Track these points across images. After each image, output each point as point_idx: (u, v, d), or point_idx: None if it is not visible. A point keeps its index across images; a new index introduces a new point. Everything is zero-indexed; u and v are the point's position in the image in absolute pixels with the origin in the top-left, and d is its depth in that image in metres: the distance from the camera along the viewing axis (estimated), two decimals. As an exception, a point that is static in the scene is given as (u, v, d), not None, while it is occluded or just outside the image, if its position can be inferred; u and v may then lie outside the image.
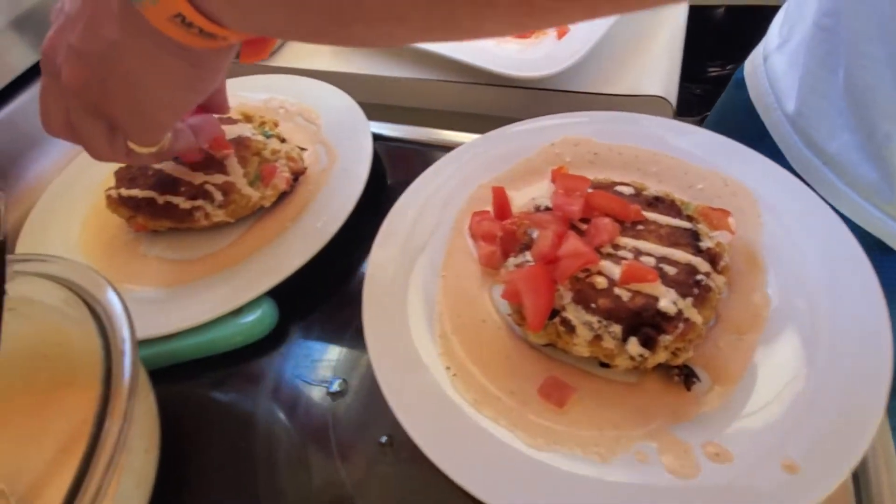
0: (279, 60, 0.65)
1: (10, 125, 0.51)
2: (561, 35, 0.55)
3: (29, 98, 0.53)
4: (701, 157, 0.40)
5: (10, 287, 0.31)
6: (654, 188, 0.37)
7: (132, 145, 0.32)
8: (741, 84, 0.54)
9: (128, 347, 0.29)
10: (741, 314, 0.33)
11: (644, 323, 0.29)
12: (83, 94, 0.27)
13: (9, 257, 0.31)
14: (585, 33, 0.53)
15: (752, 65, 0.52)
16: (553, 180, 0.42)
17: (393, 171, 0.51)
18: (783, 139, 0.47)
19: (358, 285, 0.42)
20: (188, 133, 0.38)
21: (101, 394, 0.27)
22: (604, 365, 0.32)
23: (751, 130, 0.50)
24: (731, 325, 0.32)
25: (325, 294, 0.42)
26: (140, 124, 0.30)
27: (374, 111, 0.50)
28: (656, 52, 0.55)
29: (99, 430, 0.25)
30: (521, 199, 0.42)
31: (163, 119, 0.30)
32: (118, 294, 0.31)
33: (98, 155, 0.32)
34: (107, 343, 0.29)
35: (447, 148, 0.51)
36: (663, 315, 0.29)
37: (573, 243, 0.31)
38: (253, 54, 0.30)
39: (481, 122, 0.59)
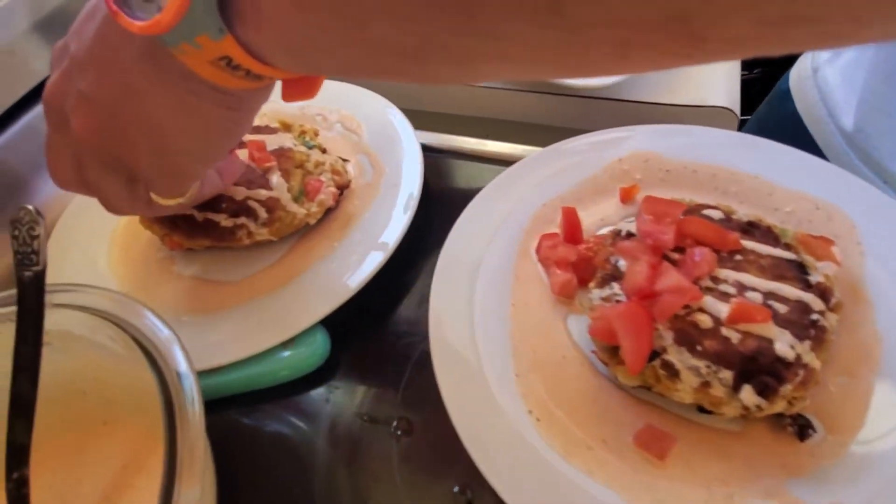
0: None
1: (33, 132, 0.47)
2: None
3: None
4: (785, 176, 0.38)
5: (48, 319, 0.27)
6: (741, 211, 0.34)
7: (155, 197, 0.29)
8: (785, 95, 0.51)
9: (189, 383, 0.25)
10: (850, 353, 0.30)
11: (759, 369, 0.26)
12: (97, 144, 0.24)
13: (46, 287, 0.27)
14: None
15: (799, 76, 0.50)
16: (623, 200, 0.39)
17: (437, 182, 0.48)
18: (836, 154, 0.45)
19: (414, 310, 0.39)
20: (214, 176, 0.36)
21: (167, 445, 0.23)
22: (702, 410, 0.29)
23: (795, 143, 0.48)
24: (840, 366, 0.30)
25: (377, 320, 0.39)
26: (167, 176, 0.26)
27: (411, 117, 0.47)
28: (716, 60, 0.52)
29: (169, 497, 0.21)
30: (589, 219, 0.39)
31: (193, 169, 0.27)
32: (165, 322, 0.28)
33: (116, 209, 0.29)
34: (162, 378, 0.26)
35: (495, 160, 0.49)
36: (781, 361, 0.26)
37: (674, 277, 0.28)
38: (300, 94, 0.26)
39: (532, 133, 0.56)
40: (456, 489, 0.30)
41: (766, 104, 0.57)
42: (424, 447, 0.32)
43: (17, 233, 0.27)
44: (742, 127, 0.59)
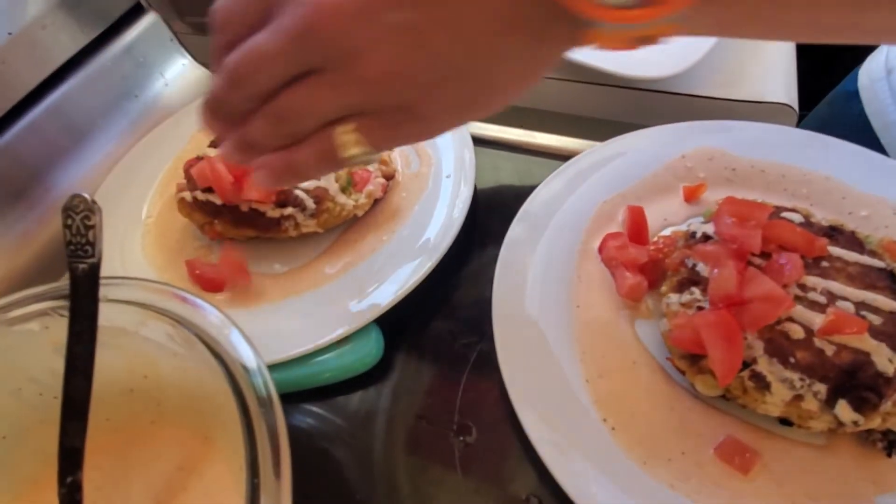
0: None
1: (58, 115, 0.45)
2: (669, 30, 0.49)
3: (74, 87, 0.46)
4: (859, 179, 0.36)
5: (102, 315, 0.26)
6: (819, 215, 0.33)
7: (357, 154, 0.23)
8: (851, 96, 0.49)
9: (265, 377, 0.23)
10: (936, 367, 0.29)
11: (858, 384, 0.25)
12: (390, 85, 0.20)
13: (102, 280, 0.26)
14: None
15: (870, 78, 0.48)
16: (687, 199, 0.38)
17: (487, 175, 0.46)
18: None
19: (469, 309, 0.37)
20: None
21: (247, 443, 0.21)
22: (783, 422, 0.28)
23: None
24: (926, 379, 0.29)
25: (430, 319, 0.37)
26: (446, 125, 0.23)
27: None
28: (772, 54, 0.50)
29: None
30: (650, 218, 0.37)
31: (491, 106, 0.23)
32: (227, 317, 0.26)
33: (331, 164, 0.23)
34: (232, 376, 0.24)
35: (545, 154, 0.47)
36: (882, 376, 0.25)
37: (767, 284, 0.27)
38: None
39: (580, 126, 0.54)
40: (524, 496, 0.29)
41: (828, 105, 0.55)
42: (489, 452, 0.31)
43: (69, 222, 0.25)
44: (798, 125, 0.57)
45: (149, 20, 0.51)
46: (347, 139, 0.21)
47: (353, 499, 0.30)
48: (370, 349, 0.34)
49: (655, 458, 0.27)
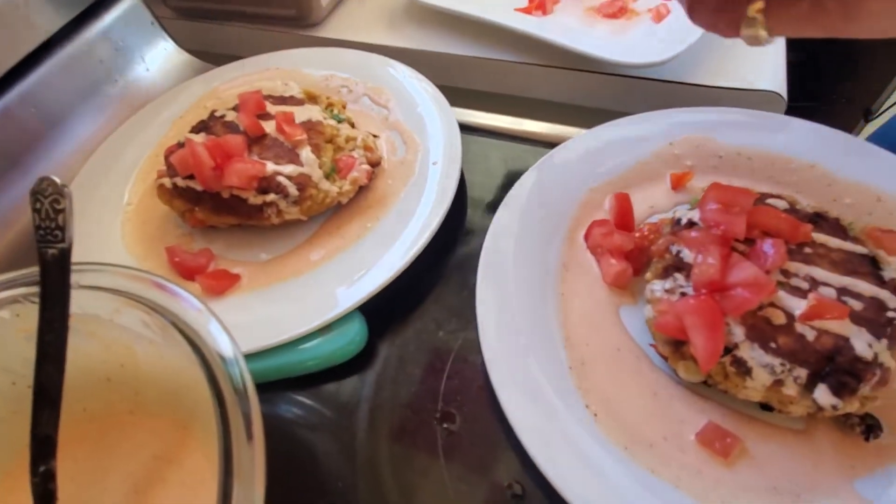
0: (325, 31, 0.57)
1: (33, 100, 0.43)
2: (659, 18, 0.49)
3: (50, 70, 0.45)
4: (845, 166, 0.36)
5: (74, 302, 0.25)
6: (804, 202, 0.33)
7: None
8: None
9: (242, 366, 0.23)
10: (916, 353, 0.29)
11: (837, 368, 0.25)
12: None
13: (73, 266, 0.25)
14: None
15: None
16: (674, 187, 0.38)
17: (474, 162, 0.45)
18: None
19: (455, 297, 0.37)
20: None
21: (220, 432, 0.21)
22: (764, 407, 0.28)
23: None
24: (906, 364, 0.29)
25: (414, 307, 0.37)
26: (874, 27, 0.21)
27: (446, 95, 0.44)
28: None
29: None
30: (638, 206, 0.37)
31: None
32: (207, 307, 0.26)
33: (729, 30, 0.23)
34: (207, 365, 0.23)
35: (533, 141, 0.46)
36: (860, 360, 0.25)
37: (749, 269, 0.27)
38: None
39: (569, 114, 0.53)
40: (506, 484, 0.29)
41: None
42: (470, 440, 0.31)
43: (38, 206, 0.24)
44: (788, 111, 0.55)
45: (128, 3, 0.49)
46: (754, 17, 0.22)
47: (336, 487, 0.30)
48: (354, 337, 0.33)
49: (637, 444, 0.27)
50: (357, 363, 0.34)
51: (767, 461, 0.27)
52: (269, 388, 0.33)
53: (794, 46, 0.51)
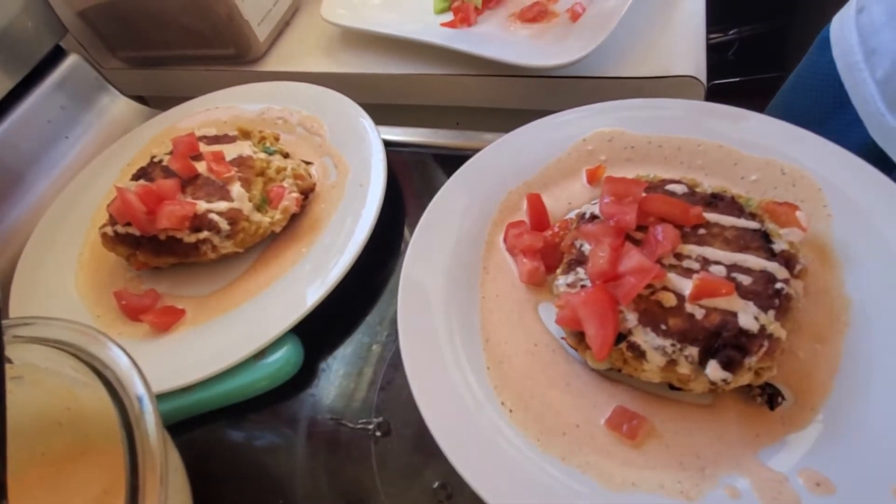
0: (266, 65, 0.60)
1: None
2: (575, 18, 0.51)
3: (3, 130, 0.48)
4: (752, 144, 0.37)
5: (13, 353, 0.27)
6: (706, 184, 0.34)
7: None
8: (825, 44, 0.48)
9: (147, 407, 0.25)
10: (819, 319, 0.30)
11: (724, 343, 0.26)
12: None
13: (4, 323, 0.27)
14: (602, 14, 0.49)
15: (841, 19, 0.47)
16: (589, 181, 0.39)
17: (406, 178, 0.47)
18: (864, 103, 0.43)
19: (386, 311, 0.39)
20: None
21: (129, 468, 0.23)
22: (673, 387, 0.29)
23: (831, 97, 0.45)
24: (808, 332, 0.30)
25: (350, 324, 0.38)
26: None
27: (380, 113, 0.46)
28: (679, 29, 0.51)
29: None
30: (556, 204, 0.38)
31: None
32: (123, 350, 0.28)
33: None
34: (122, 406, 0.26)
35: (461, 150, 0.48)
36: (745, 333, 0.26)
37: (635, 258, 0.28)
38: None
39: (502, 118, 0.55)
40: (435, 485, 0.30)
41: (807, 56, 0.54)
42: (402, 446, 0.32)
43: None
44: (707, 95, 0.56)
45: (70, 61, 0.52)
46: None
47: (277, 502, 0.31)
48: (289, 359, 0.35)
49: (550, 434, 0.28)
50: (296, 383, 0.35)
51: (674, 438, 0.28)
52: (215, 411, 0.35)
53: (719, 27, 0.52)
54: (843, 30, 0.46)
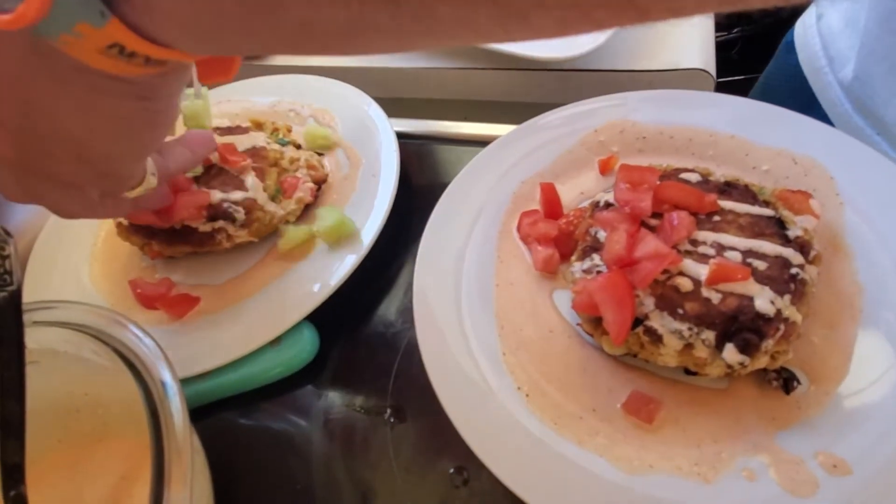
0: (276, 59, 0.60)
1: None
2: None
3: None
4: (761, 134, 0.37)
5: (30, 338, 0.27)
6: (718, 173, 0.34)
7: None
8: (791, 47, 0.50)
9: (173, 392, 0.26)
10: (832, 306, 0.30)
11: (740, 327, 0.26)
12: (22, 163, 0.23)
13: (24, 307, 0.27)
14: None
15: (804, 25, 0.48)
16: (602, 172, 0.39)
17: (417, 170, 0.48)
18: (832, 105, 0.44)
19: (400, 299, 0.39)
20: (179, 151, 0.32)
21: (154, 452, 0.23)
22: (689, 372, 0.29)
23: (799, 99, 0.47)
24: (822, 318, 0.30)
25: (365, 312, 0.39)
26: (102, 179, 0.25)
27: (389, 106, 0.46)
28: (688, 22, 0.51)
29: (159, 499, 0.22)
30: (568, 193, 0.39)
31: (126, 169, 0.25)
32: (146, 333, 0.28)
33: (72, 215, 0.27)
34: (146, 389, 0.26)
35: (473, 142, 0.48)
36: (762, 317, 0.26)
37: (651, 243, 0.28)
38: (217, 74, 0.23)
39: (512, 111, 0.55)
40: (451, 470, 0.30)
41: (774, 59, 0.55)
42: (418, 433, 0.32)
43: (-15, 254, 0.27)
44: (718, 88, 0.57)
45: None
46: None
47: (294, 489, 0.31)
48: (304, 346, 0.35)
49: (566, 418, 0.29)
50: (311, 371, 0.36)
51: (691, 422, 0.28)
52: (231, 398, 0.35)
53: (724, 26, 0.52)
54: (806, 36, 0.47)
